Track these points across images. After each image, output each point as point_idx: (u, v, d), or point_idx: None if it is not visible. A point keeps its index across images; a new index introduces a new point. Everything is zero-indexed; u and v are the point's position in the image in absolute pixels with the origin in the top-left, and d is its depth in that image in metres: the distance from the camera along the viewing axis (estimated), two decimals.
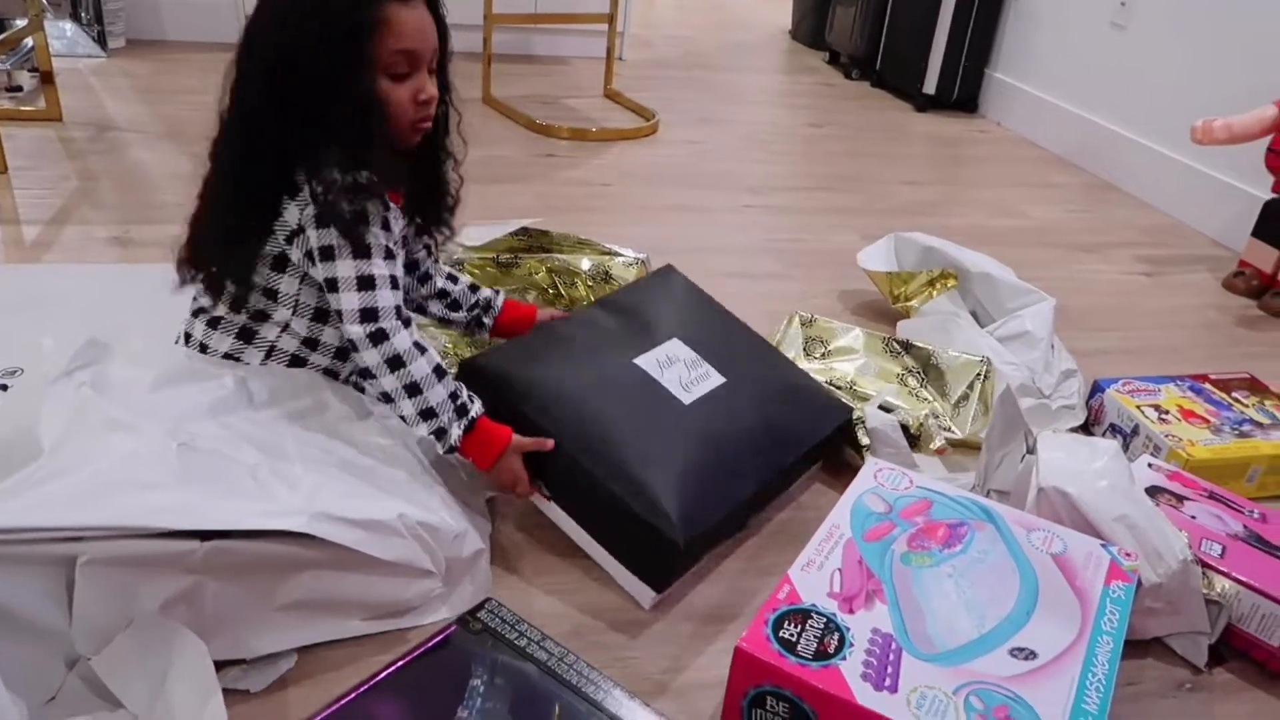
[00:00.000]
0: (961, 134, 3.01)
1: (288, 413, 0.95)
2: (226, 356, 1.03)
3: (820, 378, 1.39)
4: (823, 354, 1.49)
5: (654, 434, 1.06)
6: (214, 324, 1.05)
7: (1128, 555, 0.99)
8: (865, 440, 1.25)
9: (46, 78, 2.28)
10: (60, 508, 0.81)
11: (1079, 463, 1.07)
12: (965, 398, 1.42)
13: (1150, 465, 1.20)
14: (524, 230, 1.60)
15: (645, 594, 1.02)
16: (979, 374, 1.42)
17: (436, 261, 1.25)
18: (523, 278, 1.54)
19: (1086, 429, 1.41)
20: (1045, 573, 0.95)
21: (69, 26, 2.86)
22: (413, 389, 0.98)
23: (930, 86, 3.16)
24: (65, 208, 1.86)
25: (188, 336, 1.07)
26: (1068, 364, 1.46)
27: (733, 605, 1.05)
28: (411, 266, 1.20)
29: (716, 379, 1.18)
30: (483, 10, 2.70)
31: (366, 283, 0.97)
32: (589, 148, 2.50)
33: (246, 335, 1.04)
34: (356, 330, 0.96)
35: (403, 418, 1.00)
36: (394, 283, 0.99)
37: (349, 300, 0.96)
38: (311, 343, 1.06)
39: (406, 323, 1.00)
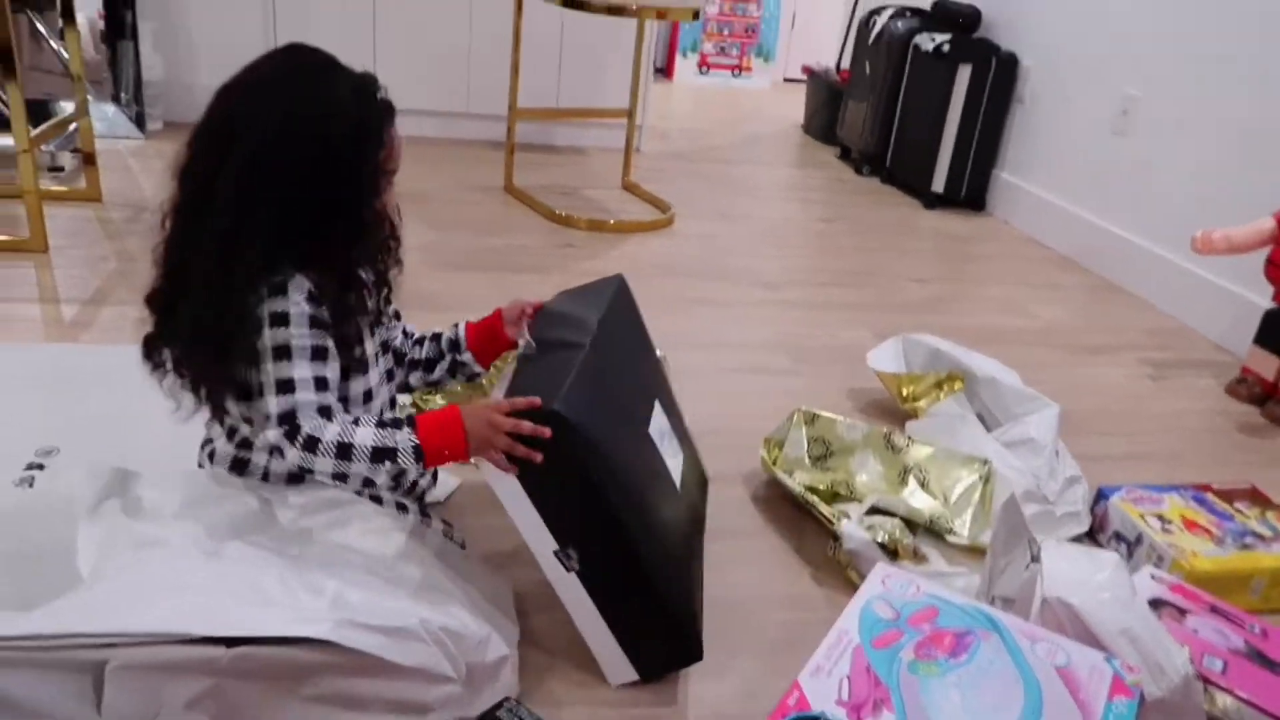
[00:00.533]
0: (969, 232, 3.09)
1: (312, 526, 0.99)
2: None
3: (820, 485, 1.43)
4: (824, 455, 1.51)
5: (678, 533, 1.11)
6: (212, 456, 1.08)
7: (1130, 669, 1.01)
8: (845, 560, 1.28)
9: (89, 159, 2.38)
10: (93, 615, 0.85)
11: (1082, 573, 1.10)
12: (966, 500, 1.45)
13: (1153, 576, 1.22)
14: None
15: (625, 674, 1.06)
16: (981, 476, 1.46)
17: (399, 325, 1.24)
18: None
19: (1091, 536, 1.44)
20: (1049, 685, 0.97)
21: (110, 109, 2.98)
22: (344, 450, 0.96)
23: (939, 185, 3.25)
24: (103, 288, 1.93)
25: (209, 441, 1.11)
26: (1072, 470, 1.49)
27: (744, 708, 1.07)
28: (386, 347, 1.18)
29: (678, 455, 1.23)
30: (508, 102, 2.81)
31: (285, 386, 0.96)
32: (607, 239, 2.58)
33: (240, 467, 1.07)
34: (273, 434, 0.96)
35: (366, 482, 1.02)
36: (320, 384, 0.98)
37: (267, 402, 0.96)
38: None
39: (330, 418, 0.98)
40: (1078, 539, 1.42)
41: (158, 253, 1.02)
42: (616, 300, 1.23)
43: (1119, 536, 1.39)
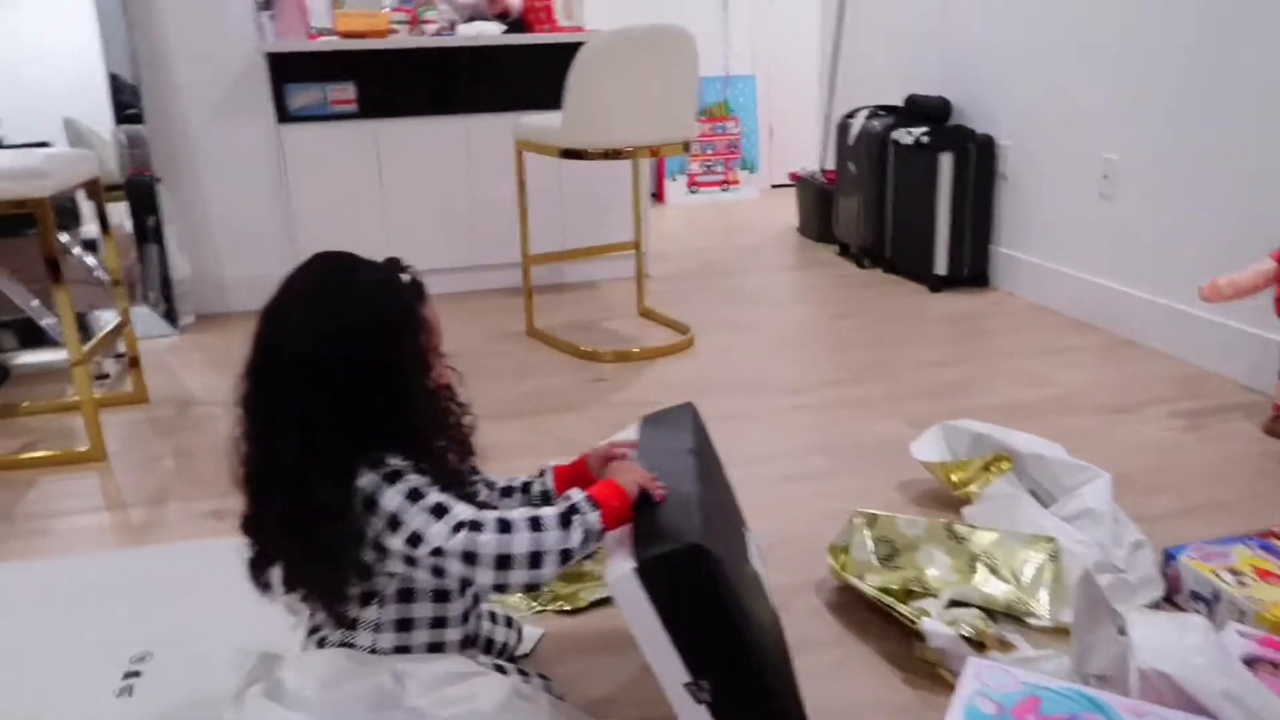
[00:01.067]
0: (977, 309, 3.17)
1: (441, 699, 1.02)
2: None
3: (893, 585, 1.45)
4: (891, 555, 1.54)
5: (781, 648, 1.15)
6: (321, 644, 1.11)
7: None
8: (933, 657, 1.30)
9: (133, 362, 2.48)
10: None
11: (1171, 640, 1.12)
12: (1039, 580, 1.47)
13: (1240, 633, 1.23)
14: None
15: None
16: (1049, 554, 1.48)
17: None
18: None
19: (1169, 600, 1.45)
20: None
21: (143, 310, 3.11)
22: (535, 522, 0.99)
23: (941, 267, 3.35)
24: (163, 487, 1.99)
25: (316, 629, 1.13)
26: (1135, 535, 1.52)
27: None
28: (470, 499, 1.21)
29: (763, 568, 1.27)
30: (520, 250, 2.94)
31: (430, 507, 0.99)
32: (633, 367, 2.66)
33: (351, 624, 1.08)
34: (437, 536, 0.97)
35: (563, 553, 0.99)
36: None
37: (414, 522, 0.98)
38: (406, 624, 1.08)
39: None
40: (1156, 605, 1.44)
41: (239, 476, 1.05)
42: (695, 427, 1.32)
43: (1196, 596, 1.41)
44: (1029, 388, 2.44)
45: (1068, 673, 1.26)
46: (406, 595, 1.07)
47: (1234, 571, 1.40)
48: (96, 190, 2.40)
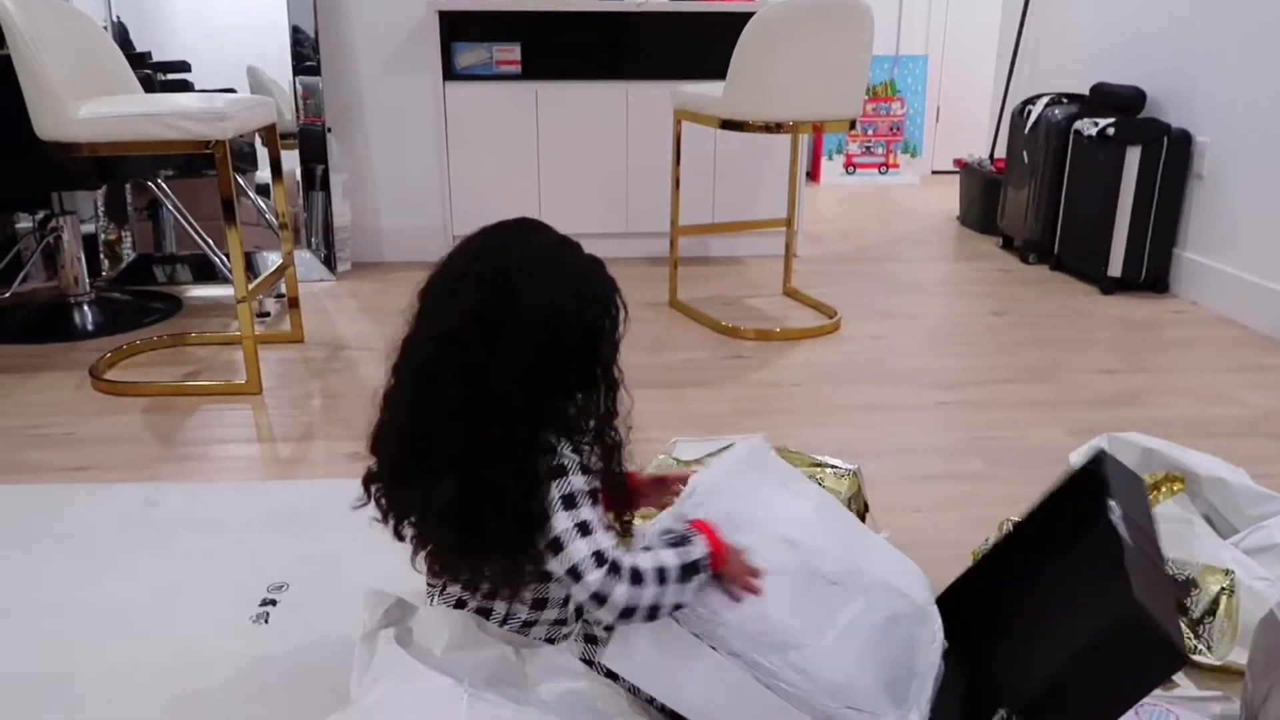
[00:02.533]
0: (1154, 317, 2.93)
1: (553, 693, 1.00)
2: None
3: None
4: None
5: None
6: (458, 604, 1.08)
7: None
8: None
9: (293, 303, 2.59)
10: None
11: None
12: (1211, 613, 1.33)
13: None
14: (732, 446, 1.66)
15: None
16: (1224, 588, 1.34)
17: None
18: None
19: None
20: None
21: (305, 254, 3.24)
22: (661, 575, 0.95)
23: (1115, 269, 3.12)
24: (311, 424, 2.07)
25: (444, 585, 1.10)
26: None
27: None
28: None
29: None
30: (669, 219, 2.90)
31: (584, 529, 0.96)
32: (774, 347, 2.59)
33: (484, 613, 1.07)
34: (588, 572, 0.94)
35: (676, 606, 0.97)
36: (606, 526, 0.99)
37: (575, 550, 0.94)
38: (540, 602, 1.06)
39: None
40: None
41: (393, 441, 1.02)
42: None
43: None
44: (1209, 405, 2.23)
45: (1236, 719, 1.14)
46: (544, 575, 1.03)
47: None
48: (273, 137, 2.50)
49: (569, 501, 0.96)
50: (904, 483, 1.82)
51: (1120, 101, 3.20)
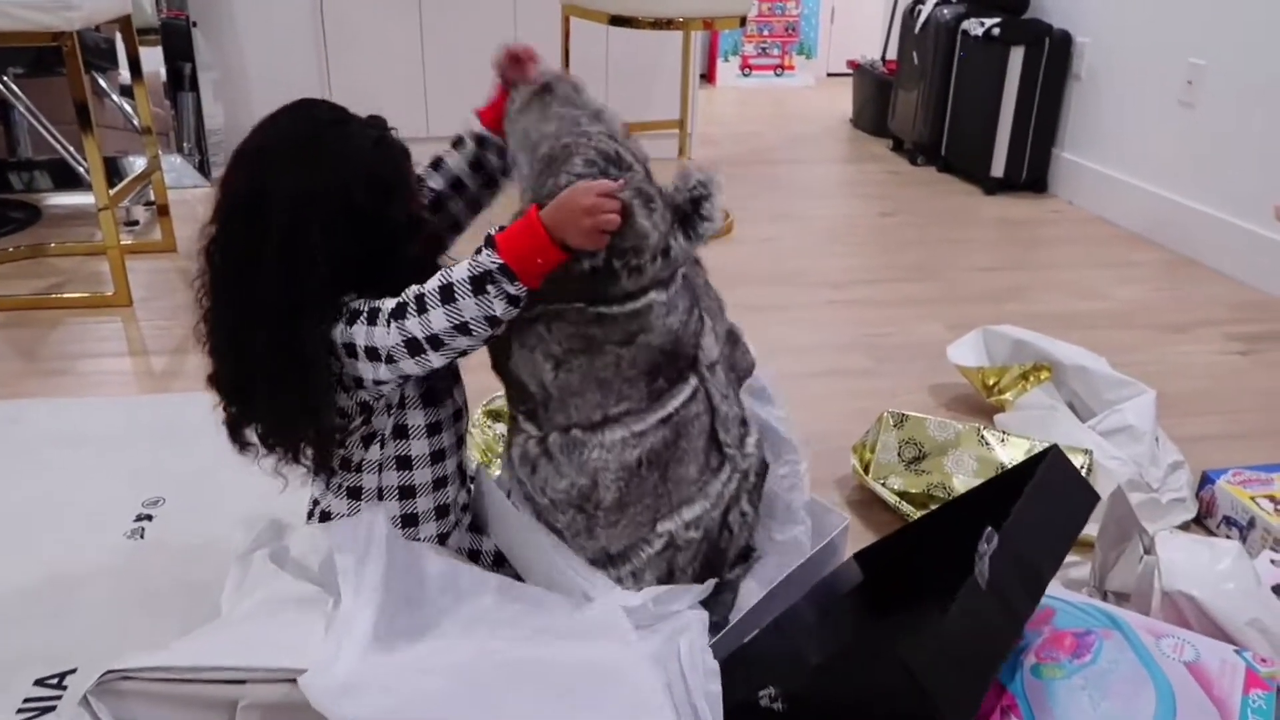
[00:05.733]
0: (1033, 215, 3.03)
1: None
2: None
3: (914, 490, 1.41)
4: (917, 458, 1.49)
5: None
6: (324, 518, 1.08)
7: (1264, 661, 0.97)
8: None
9: (162, 211, 2.45)
10: (224, 652, 0.88)
11: (1202, 564, 1.07)
12: None
13: (1273, 562, 1.18)
14: None
15: None
16: (1083, 467, 1.42)
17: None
18: None
19: (1199, 522, 1.40)
20: (1180, 682, 0.95)
21: (176, 159, 3.07)
22: (446, 292, 0.93)
23: (998, 169, 3.19)
24: (187, 337, 1.96)
25: (315, 503, 1.11)
26: (1173, 456, 1.45)
27: None
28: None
29: None
30: None
31: (371, 316, 0.96)
32: None
33: (355, 494, 1.07)
34: (381, 339, 0.94)
35: (486, 318, 0.93)
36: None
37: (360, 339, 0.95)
38: (405, 461, 1.06)
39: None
40: (1185, 526, 1.38)
41: (202, 332, 1.02)
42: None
43: (1230, 521, 1.35)
44: (1079, 299, 2.34)
45: (1085, 586, 1.22)
46: (402, 432, 1.05)
47: (1274, 499, 1.33)
48: (129, 30, 2.32)
49: (352, 318, 0.96)
50: (793, 380, 1.85)
51: (1006, 1, 3.23)
